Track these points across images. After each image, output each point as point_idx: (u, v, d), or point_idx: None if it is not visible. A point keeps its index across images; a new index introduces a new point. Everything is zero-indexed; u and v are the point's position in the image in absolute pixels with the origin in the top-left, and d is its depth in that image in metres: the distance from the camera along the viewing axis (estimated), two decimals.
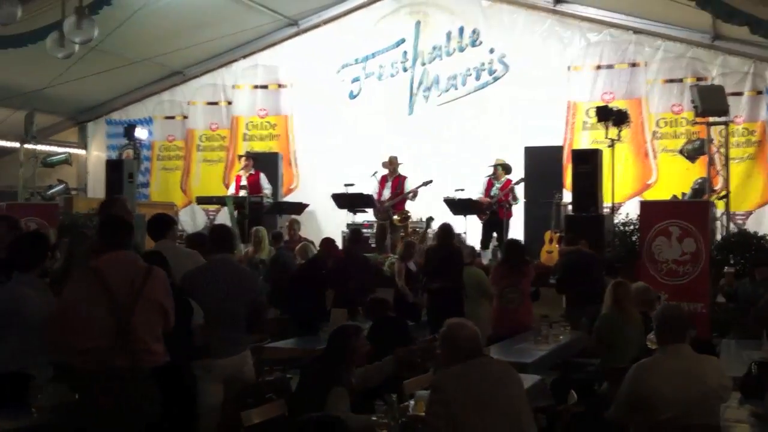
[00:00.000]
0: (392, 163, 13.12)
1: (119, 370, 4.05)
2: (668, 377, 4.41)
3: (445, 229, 9.47)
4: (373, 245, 12.90)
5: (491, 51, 14.47)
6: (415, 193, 12.90)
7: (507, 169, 12.57)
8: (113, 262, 4.27)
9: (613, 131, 11.20)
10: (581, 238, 9.21)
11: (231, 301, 5.24)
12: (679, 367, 4.45)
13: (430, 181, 12.87)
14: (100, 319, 4.09)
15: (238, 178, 13.57)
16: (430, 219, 12.49)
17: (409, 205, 13.16)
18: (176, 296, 4.52)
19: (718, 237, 10.67)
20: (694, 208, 10.26)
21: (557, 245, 11.10)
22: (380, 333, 6.40)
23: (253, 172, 13.40)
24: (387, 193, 12.91)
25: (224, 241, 5.55)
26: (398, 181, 13.01)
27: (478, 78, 14.57)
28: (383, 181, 13.04)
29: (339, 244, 12.52)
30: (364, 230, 13.13)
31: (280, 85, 15.76)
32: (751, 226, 12.27)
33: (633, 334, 6.58)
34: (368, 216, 13.22)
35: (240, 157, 13.98)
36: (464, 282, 9.03)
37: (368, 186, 13.06)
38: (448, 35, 14.74)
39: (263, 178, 13.34)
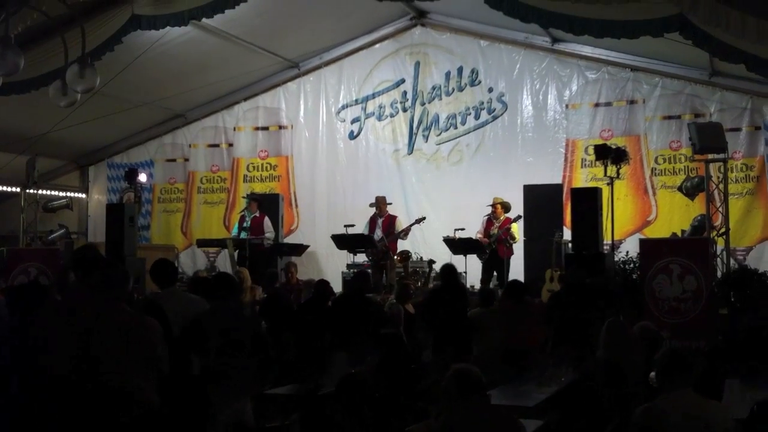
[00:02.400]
0: (380, 204, 13.17)
1: None
2: (672, 423, 4.38)
3: (448, 269, 9.48)
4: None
5: (490, 90, 14.58)
6: (407, 232, 12.93)
7: (506, 207, 12.60)
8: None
9: (611, 169, 11.23)
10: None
11: (232, 348, 5.23)
12: (682, 413, 4.43)
13: (423, 219, 12.95)
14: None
15: (242, 219, 13.62)
16: (431, 262, 12.50)
17: (409, 245, 13.18)
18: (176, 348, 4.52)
19: (719, 274, 10.64)
20: (694, 245, 10.26)
21: (558, 283, 11.09)
22: (389, 370, 6.37)
23: (257, 214, 13.45)
24: (379, 233, 12.92)
25: (226, 287, 5.56)
26: (388, 220, 13.04)
27: (477, 117, 14.66)
28: (373, 221, 13.07)
29: (339, 284, 12.60)
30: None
31: (280, 127, 15.86)
32: (751, 261, 12.30)
33: (631, 372, 6.58)
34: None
35: (244, 197, 14.04)
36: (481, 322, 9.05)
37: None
38: (448, 75, 14.86)
39: (267, 222, 13.39)
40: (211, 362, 5.08)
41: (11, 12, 7.48)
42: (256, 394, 6.15)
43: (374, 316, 9.40)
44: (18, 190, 14.81)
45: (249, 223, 13.39)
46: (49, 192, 15.73)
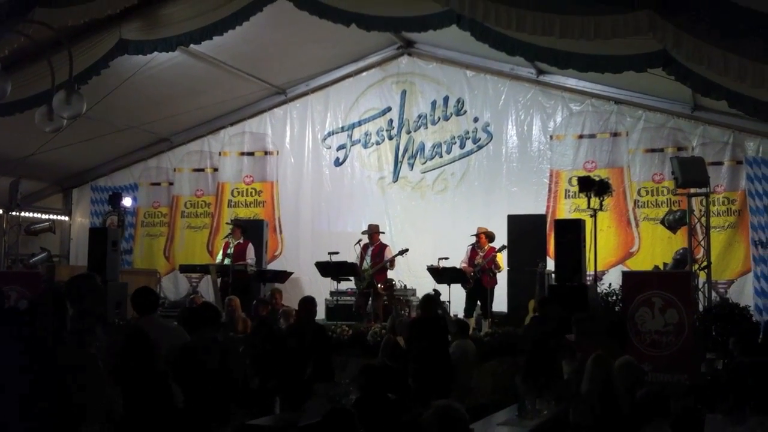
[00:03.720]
0: (372, 232, 13.20)
1: None
2: None
3: (429, 299, 9.49)
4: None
5: (475, 120, 14.67)
6: (392, 262, 12.96)
7: (490, 237, 12.64)
8: None
9: (595, 201, 11.30)
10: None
11: (214, 380, 5.20)
12: None
13: (406, 250, 12.98)
14: None
15: (226, 245, 13.58)
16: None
17: (393, 274, 13.17)
18: (160, 378, 4.48)
19: (701, 307, 10.69)
20: (676, 278, 10.32)
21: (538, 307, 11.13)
22: (371, 403, 6.33)
23: (242, 240, 13.43)
24: (368, 261, 12.93)
25: (209, 318, 5.54)
26: (379, 249, 13.07)
27: (462, 146, 14.73)
28: (364, 249, 13.09)
29: (323, 311, 12.59)
30: (348, 297, 13.15)
31: (266, 152, 15.88)
32: (732, 294, 12.38)
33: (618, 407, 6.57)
34: (352, 284, 13.18)
35: (228, 224, 14.04)
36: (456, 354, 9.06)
37: (352, 254, 13.06)
38: (434, 104, 14.94)
39: (250, 249, 13.36)
40: (192, 394, 5.04)
41: None
42: (238, 426, 6.10)
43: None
44: (0, 212, 14.69)
45: (233, 249, 13.36)
46: (31, 214, 15.63)
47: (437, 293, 10.11)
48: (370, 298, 12.68)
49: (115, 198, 14.38)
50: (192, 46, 11.59)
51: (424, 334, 9.04)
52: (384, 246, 13.16)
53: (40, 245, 15.16)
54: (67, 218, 16.73)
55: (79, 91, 7.71)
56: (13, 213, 14.51)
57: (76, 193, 16.91)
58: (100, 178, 16.68)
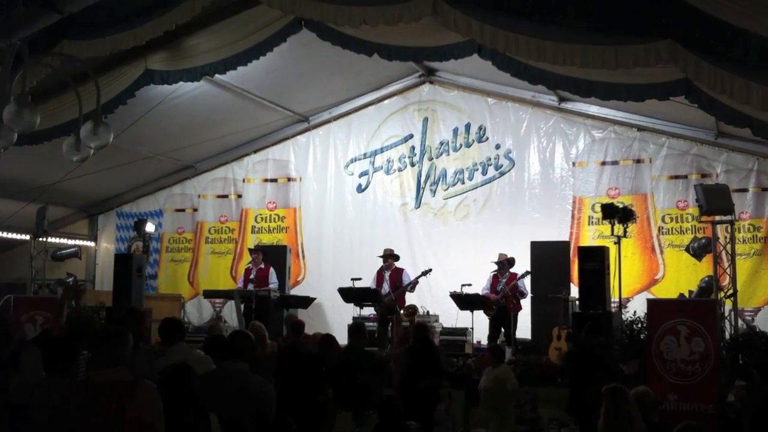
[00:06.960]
0: (388, 257, 13.21)
1: None
2: None
3: (421, 327, 9.55)
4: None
5: (497, 147, 14.70)
6: (414, 285, 12.94)
7: (511, 263, 12.60)
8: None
9: (618, 228, 11.26)
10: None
11: (238, 412, 5.20)
12: None
13: (429, 270, 12.99)
14: None
15: (248, 272, 13.66)
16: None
17: (416, 300, 13.16)
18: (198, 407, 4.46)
19: (727, 335, 10.59)
20: (701, 306, 10.21)
21: (565, 342, 11.05)
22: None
23: (263, 266, 13.50)
24: (386, 287, 12.93)
25: (238, 349, 5.53)
26: (395, 274, 13.07)
27: (484, 173, 14.75)
28: (380, 274, 13.10)
29: (344, 337, 12.56)
30: (371, 324, 13.12)
31: (289, 179, 15.99)
32: (759, 322, 12.28)
33: None
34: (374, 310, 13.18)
35: (250, 251, 14.14)
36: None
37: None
38: (455, 131, 15.00)
39: (272, 273, 13.42)
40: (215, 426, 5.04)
41: (27, 68, 7.61)
42: None
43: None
44: (27, 237, 14.87)
45: (254, 274, 13.44)
46: (57, 240, 15.81)
47: None
48: (391, 324, 12.64)
49: (140, 224, 14.52)
50: (216, 75, 11.73)
51: (422, 362, 9.01)
52: (401, 270, 13.18)
53: (66, 271, 15.30)
54: (92, 244, 16.89)
55: (106, 120, 7.80)
56: (40, 239, 14.67)
57: (102, 219, 17.09)
58: (125, 204, 16.85)
